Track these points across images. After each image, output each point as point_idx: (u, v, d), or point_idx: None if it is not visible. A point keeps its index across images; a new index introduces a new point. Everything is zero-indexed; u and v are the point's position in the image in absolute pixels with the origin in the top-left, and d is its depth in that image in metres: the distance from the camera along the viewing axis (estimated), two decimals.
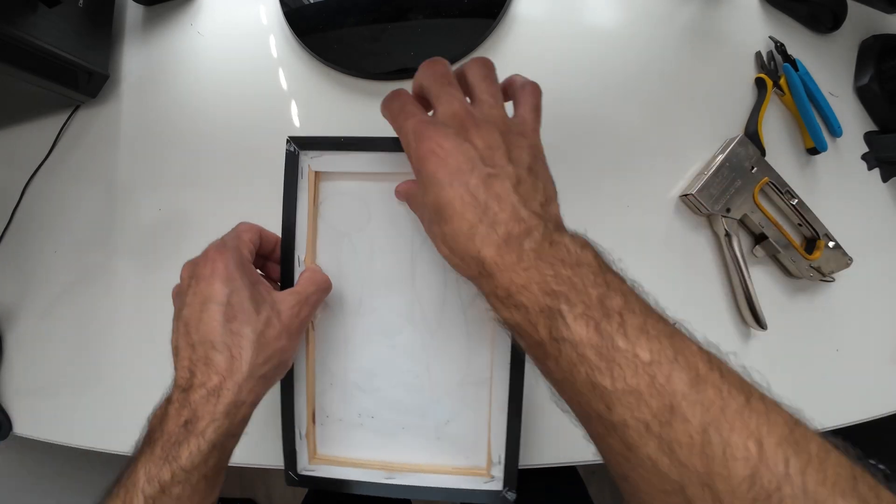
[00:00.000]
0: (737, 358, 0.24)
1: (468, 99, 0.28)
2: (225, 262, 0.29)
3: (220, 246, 0.30)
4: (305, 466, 0.40)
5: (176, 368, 0.29)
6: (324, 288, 0.35)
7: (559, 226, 0.26)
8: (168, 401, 0.28)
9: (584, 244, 0.25)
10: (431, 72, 0.28)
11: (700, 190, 0.41)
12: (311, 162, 0.39)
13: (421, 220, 0.30)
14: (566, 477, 0.58)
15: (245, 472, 1.28)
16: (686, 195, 0.42)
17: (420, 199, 0.29)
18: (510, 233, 0.24)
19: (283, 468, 0.40)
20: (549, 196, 0.28)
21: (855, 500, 0.19)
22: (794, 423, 0.21)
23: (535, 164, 0.28)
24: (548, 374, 0.25)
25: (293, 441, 0.40)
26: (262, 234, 0.35)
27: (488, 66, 0.29)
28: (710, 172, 0.41)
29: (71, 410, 0.48)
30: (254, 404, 0.29)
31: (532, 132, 0.29)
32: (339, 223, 0.40)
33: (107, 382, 0.48)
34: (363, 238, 0.40)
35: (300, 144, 0.38)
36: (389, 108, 0.29)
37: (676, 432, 0.20)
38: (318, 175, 0.39)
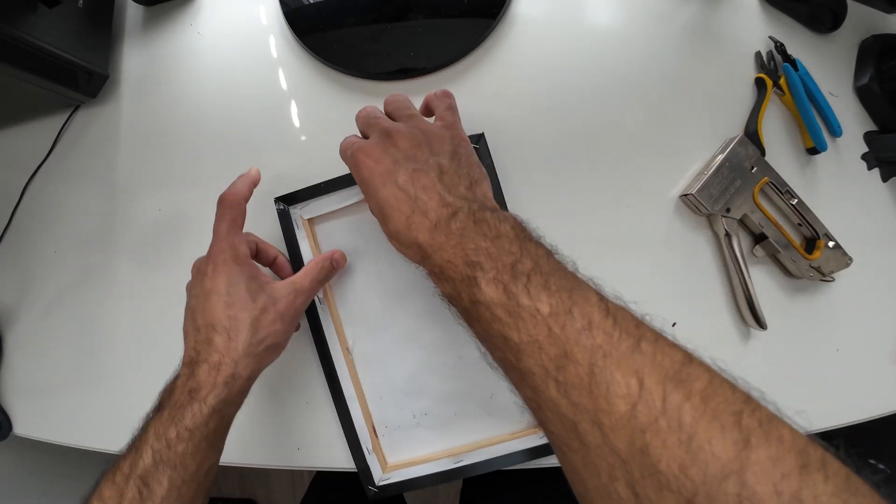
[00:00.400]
0: (638, 307, 0.26)
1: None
2: (224, 259, 0.34)
3: (220, 246, 0.34)
4: (381, 477, 0.43)
5: (185, 349, 0.34)
6: (319, 278, 0.38)
7: (485, 205, 0.29)
8: (176, 376, 0.33)
9: (505, 218, 0.28)
10: (363, 114, 0.35)
11: (700, 190, 0.41)
12: (302, 212, 0.44)
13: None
14: (560, 477, 0.58)
15: (245, 472, 1.28)
16: (686, 195, 0.42)
17: (370, 207, 0.32)
18: (439, 217, 0.28)
19: (282, 468, 0.40)
20: (475, 179, 0.31)
21: (735, 433, 0.19)
22: (684, 363, 0.22)
23: (458, 153, 0.31)
24: (476, 335, 0.28)
25: (363, 458, 0.43)
26: (258, 245, 0.39)
27: (401, 98, 0.35)
28: (710, 172, 0.41)
29: (71, 410, 0.48)
30: (250, 378, 0.33)
31: (451, 126, 0.33)
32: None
33: (107, 382, 0.48)
34: (367, 261, 0.45)
35: (287, 201, 0.43)
36: (342, 153, 0.35)
37: (569, 375, 0.23)
38: (311, 221, 0.44)
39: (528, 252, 0.26)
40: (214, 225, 0.35)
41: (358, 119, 0.35)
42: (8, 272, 0.51)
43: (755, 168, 0.41)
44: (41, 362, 0.50)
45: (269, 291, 0.34)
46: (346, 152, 0.33)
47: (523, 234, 0.28)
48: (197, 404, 0.30)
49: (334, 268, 0.40)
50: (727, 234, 0.41)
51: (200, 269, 0.35)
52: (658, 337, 0.23)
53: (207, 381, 0.31)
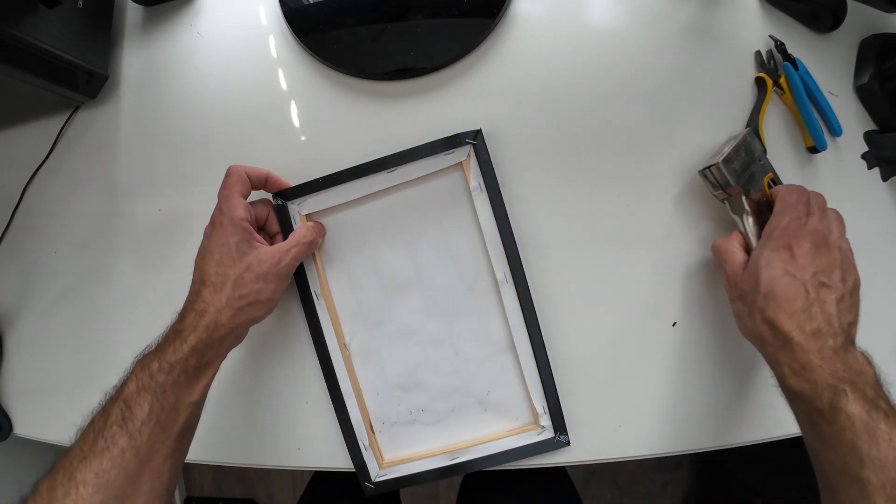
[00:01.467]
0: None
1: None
2: (220, 222, 0.37)
3: (217, 210, 0.38)
4: (378, 473, 0.44)
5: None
6: (305, 241, 0.41)
7: (853, 342, 0.34)
8: (170, 324, 0.37)
9: (869, 362, 0.32)
10: (807, 195, 0.38)
11: (725, 162, 0.39)
12: (300, 208, 0.44)
13: (731, 284, 0.38)
14: (557, 479, 0.58)
15: (245, 472, 1.28)
16: (709, 167, 0.40)
17: (747, 273, 0.36)
18: (821, 329, 0.32)
19: (282, 468, 0.40)
20: (855, 320, 0.35)
21: None
22: None
23: (855, 293, 0.35)
24: (814, 433, 0.32)
25: (360, 454, 0.43)
26: (249, 173, 0.40)
27: (840, 216, 0.38)
28: (729, 149, 0.40)
29: (71, 411, 0.48)
30: (232, 329, 0.36)
31: (855, 269, 0.36)
32: (340, 251, 0.45)
33: (107, 383, 0.48)
34: (364, 257, 0.45)
35: (284, 196, 0.43)
36: (788, 198, 0.38)
37: None
38: (308, 217, 0.44)
39: (883, 397, 0.31)
40: (218, 191, 0.39)
41: (799, 193, 0.37)
42: (8, 273, 0.51)
43: (762, 161, 0.41)
44: (41, 363, 0.50)
45: (256, 254, 0.37)
46: (783, 221, 0.36)
47: (879, 381, 0.32)
48: (178, 342, 0.34)
49: (316, 233, 0.42)
50: (747, 213, 0.39)
51: (205, 231, 0.39)
52: None
53: (190, 324, 0.35)
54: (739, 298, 0.37)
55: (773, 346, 0.34)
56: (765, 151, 0.42)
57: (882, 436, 0.29)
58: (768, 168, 0.41)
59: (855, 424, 0.29)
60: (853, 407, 0.30)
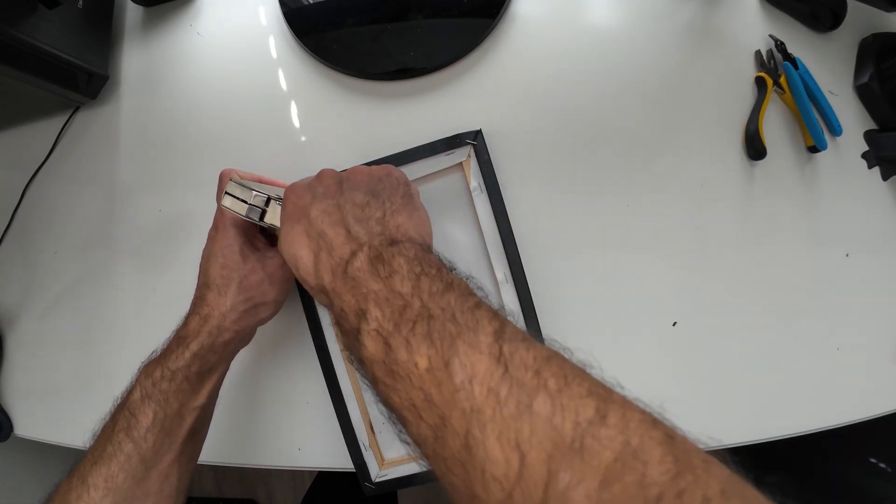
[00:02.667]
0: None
1: None
2: (224, 225, 0.37)
3: (219, 213, 0.37)
4: (378, 473, 0.44)
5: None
6: None
7: (393, 239, 0.27)
8: (176, 328, 0.36)
9: (403, 251, 0.25)
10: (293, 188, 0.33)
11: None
12: None
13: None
14: None
15: (245, 472, 1.28)
16: None
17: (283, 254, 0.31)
18: (342, 257, 0.26)
19: (283, 468, 0.40)
20: (393, 209, 0.30)
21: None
22: (593, 422, 0.17)
23: (381, 185, 0.31)
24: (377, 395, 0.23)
25: (360, 455, 0.43)
26: (242, 176, 0.39)
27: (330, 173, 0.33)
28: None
29: (72, 411, 0.48)
30: (237, 332, 0.35)
31: (384, 167, 0.33)
32: None
33: (108, 383, 0.48)
34: None
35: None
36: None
37: (447, 448, 0.18)
38: None
39: (421, 290, 0.22)
40: (215, 196, 0.38)
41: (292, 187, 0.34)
42: (9, 273, 0.51)
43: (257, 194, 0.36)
44: (42, 363, 0.50)
45: (260, 256, 0.37)
46: (288, 206, 0.32)
47: (420, 267, 0.24)
48: (182, 348, 0.34)
49: None
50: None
51: (208, 234, 0.38)
52: (565, 385, 0.18)
53: (194, 330, 0.34)
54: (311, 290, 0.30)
55: (327, 304, 0.27)
56: (765, 153, 0.42)
57: (403, 367, 0.21)
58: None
59: (376, 372, 0.22)
60: (368, 345, 0.22)
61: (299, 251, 0.29)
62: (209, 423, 0.37)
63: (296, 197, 0.31)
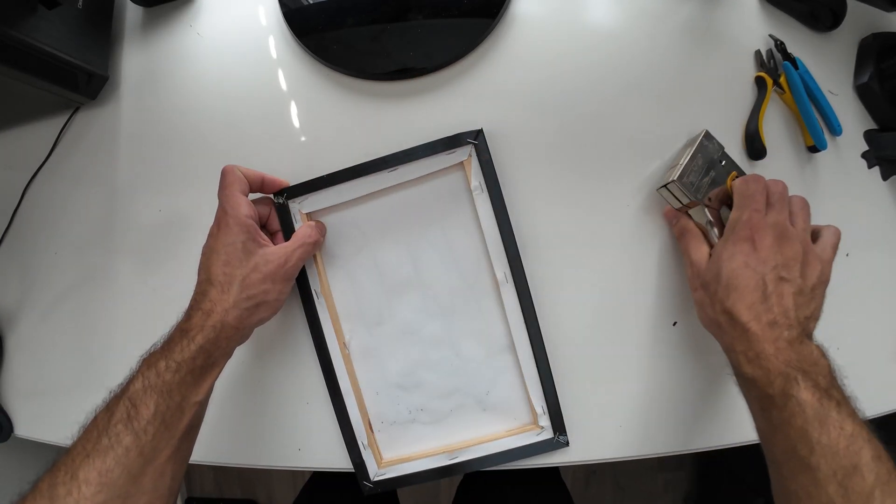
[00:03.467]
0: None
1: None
2: (226, 222, 0.37)
3: (221, 210, 0.38)
4: (376, 472, 0.44)
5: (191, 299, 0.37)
6: (310, 242, 0.41)
7: (810, 335, 0.34)
8: (176, 323, 0.36)
9: (823, 354, 0.33)
10: (764, 185, 0.37)
11: (680, 177, 0.39)
12: (301, 206, 0.44)
13: (694, 274, 0.39)
14: (549, 480, 0.59)
15: (245, 473, 1.28)
16: (667, 184, 0.40)
17: (710, 264, 0.37)
18: (776, 321, 0.33)
19: (283, 469, 0.40)
20: (815, 315, 0.35)
21: None
22: None
23: (817, 289, 0.35)
24: (765, 420, 0.32)
25: (359, 454, 0.43)
26: (245, 173, 0.40)
27: (806, 203, 0.38)
28: (685, 162, 0.40)
29: (72, 412, 0.48)
30: (238, 329, 0.36)
31: (826, 262, 0.36)
32: (340, 250, 0.45)
33: (107, 383, 0.48)
34: (364, 256, 0.45)
35: (286, 195, 0.43)
36: (746, 186, 0.37)
37: (854, 484, 0.28)
38: (309, 216, 0.44)
39: (837, 388, 0.31)
40: (217, 192, 0.38)
41: (756, 184, 0.37)
42: (9, 273, 0.51)
43: (724, 162, 0.41)
44: (42, 363, 0.50)
45: (263, 253, 0.37)
46: (744, 215, 0.36)
47: (833, 373, 0.32)
48: (185, 341, 0.34)
49: (319, 233, 0.42)
50: (710, 222, 0.40)
51: (210, 231, 0.39)
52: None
53: (198, 324, 0.35)
54: (701, 287, 0.37)
55: (731, 334, 0.34)
56: (765, 152, 0.42)
57: (833, 423, 0.29)
58: (730, 167, 0.41)
59: (805, 411, 0.29)
60: (804, 394, 0.30)
61: (744, 287, 0.34)
62: (201, 423, 0.37)
63: (755, 246, 0.35)
